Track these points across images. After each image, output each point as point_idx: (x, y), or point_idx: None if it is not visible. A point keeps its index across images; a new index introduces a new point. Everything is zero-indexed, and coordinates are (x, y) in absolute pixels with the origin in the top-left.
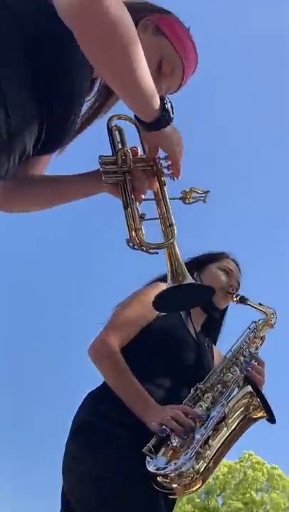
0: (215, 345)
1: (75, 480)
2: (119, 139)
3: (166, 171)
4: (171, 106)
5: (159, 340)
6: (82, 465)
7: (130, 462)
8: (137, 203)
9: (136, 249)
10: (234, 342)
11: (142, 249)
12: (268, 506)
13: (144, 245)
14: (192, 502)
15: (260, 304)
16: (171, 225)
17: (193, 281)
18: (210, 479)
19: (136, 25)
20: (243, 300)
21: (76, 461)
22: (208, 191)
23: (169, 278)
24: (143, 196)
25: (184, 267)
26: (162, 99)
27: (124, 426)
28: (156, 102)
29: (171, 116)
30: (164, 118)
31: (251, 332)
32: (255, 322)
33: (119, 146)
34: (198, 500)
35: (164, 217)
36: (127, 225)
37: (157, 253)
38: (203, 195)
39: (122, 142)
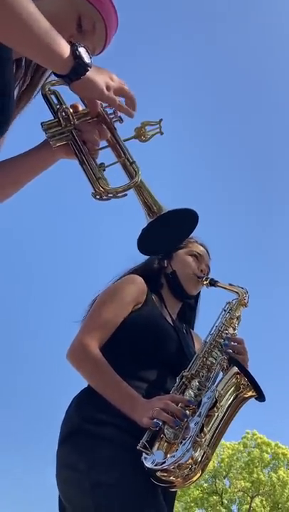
0: (193, 329)
1: (71, 488)
2: (56, 102)
3: (115, 115)
4: (86, 51)
5: (139, 333)
6: (76, 472)
7: (126, 463)
8: (93, 156)
9: (104, 199)
10: (212, 325)
11: (110, 197)
12: (276, 484)
13: (111, 191)
14: (200, 487)
15: (230, 285)
16: (132, 162)
17: (172, 209)
18: (215, 463)
19: None
20: (213, 283)
21: (70, 469)
22: (162, 119)
23: (146, 216)
24: (97, 147)
25: (158, 199)
26: (72, 45)
27: (115, 426)
28: (65, 51)
29: (86, 61)
30: (78, 65)
31: (227, 313)
32: (229, 303)
33: (58, 107)
34: (206, 484)
35: (123, 159)
36: (89, 179)
37: (126, 195)
38: (158, 126)
39: (61, 103)
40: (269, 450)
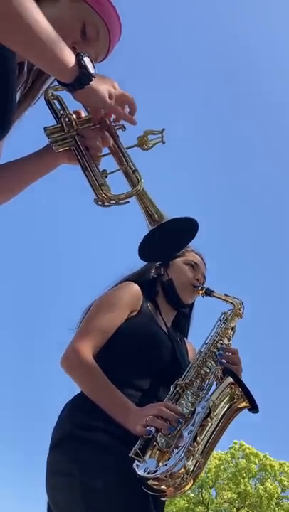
0: (186, 338)
1: (62, 494)
2: (59, 107)
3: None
4: (90, 60)
5: (133, 341)
6: (67, 477)
7: (118, 469)
8: (96, 162)
9: (106, 205)
10: (207, 335)
11: (112, 203)
12: (262, 496)
13: (113, 198)
14: (186, 497)
15: (226, 295)
16: (134, 171)
17: (173, 217)
18: (202, 473)
19: None
20: (208, 292)
21: (60, 475)
22: (164, 129)
23: (147, 224)
24: (99, 154)
25: (159, 208)
26: (77, 55)
27: (108, 433)
28: (70, 61)
29: (90, 71)
30: (83, 74)
31: (222, 323)
32: (224, 313)
33: (61, 113)
34: (192, 494)
35: (125, 166)
36: (91, 186)
37: (128, 202)
38: (160, 135)
39: (64, 108)
40: (257, 461)
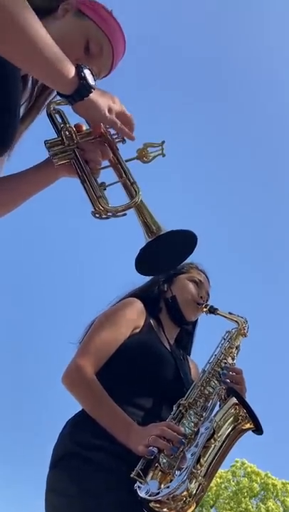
0: (189, 355)
1: None
2: (60, 121)
3: (118, 135)
4: (90, 73)
5: (136, 359)
6: (67, 497)
7: (119, 490)
8: (95, 175)
9: (104, 218)
10: (211, 353)
11: (110, 216)
12: None
13: (111, 210)
14: None
15: (230, 313)
16: (133, 183)
17: (171, 230)
18: None
19: (54, 11)
20: (212, 310)
21: (60, 495)
22: (164, 141)
23: (145, 236)
24: (99, 167)
25: (158, 220)
26: (77, 67)
27: (109, 453)
28: (70, 72)
29: (90, 83)
30: (83, 86)
31: (226, 342)
32: (228, 332)
33: (62, 126)
34: None
35: (124, 178)
36: (89, 198)
37: (126, 214)
38: (160, 148)
39: (64, 122)
40: (259, 480)
